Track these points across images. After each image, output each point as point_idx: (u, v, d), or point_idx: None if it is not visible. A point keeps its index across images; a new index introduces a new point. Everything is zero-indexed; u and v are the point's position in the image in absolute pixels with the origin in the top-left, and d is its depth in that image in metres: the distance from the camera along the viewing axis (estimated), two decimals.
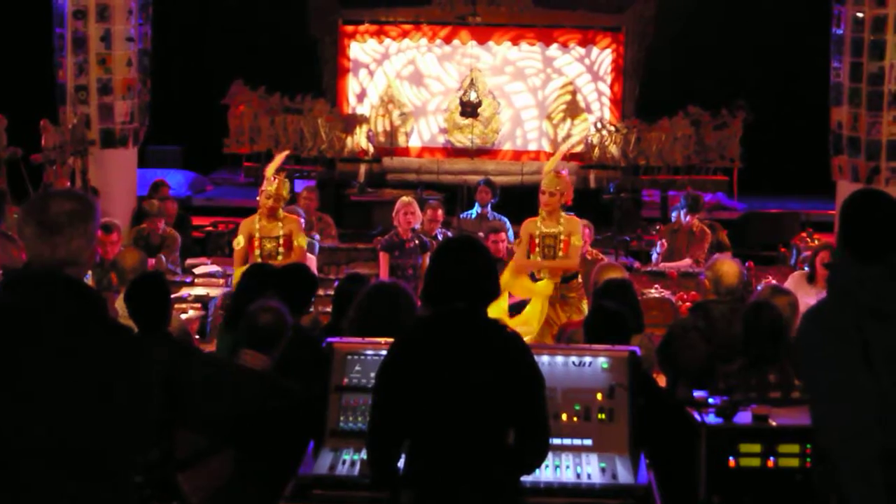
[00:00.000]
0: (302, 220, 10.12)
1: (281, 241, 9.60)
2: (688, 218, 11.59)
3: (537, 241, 9.48)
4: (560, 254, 9.33)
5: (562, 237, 9.35)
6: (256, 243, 9.61)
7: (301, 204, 12.13)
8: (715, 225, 12.28)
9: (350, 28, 17.20)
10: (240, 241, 9.72)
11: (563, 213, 9.51)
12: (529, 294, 9.40)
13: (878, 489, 3.63)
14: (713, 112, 15.69)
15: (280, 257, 9.47)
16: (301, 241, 9.73)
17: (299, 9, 17.02)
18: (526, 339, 8.41)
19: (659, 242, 11.68)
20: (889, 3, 12.86)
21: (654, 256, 11.56)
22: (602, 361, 5.10)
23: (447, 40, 17.16)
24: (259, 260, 9.39)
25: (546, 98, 17.11)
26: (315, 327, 7.19)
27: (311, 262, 10.34)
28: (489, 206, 12.63)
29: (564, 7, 17.01)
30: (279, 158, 10.19)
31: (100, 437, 3.30)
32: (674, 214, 11.78)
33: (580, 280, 9.35)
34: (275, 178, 9.72)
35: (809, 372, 3.97)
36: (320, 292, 9.99)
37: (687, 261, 11.11)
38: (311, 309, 7.59)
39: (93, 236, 3.47)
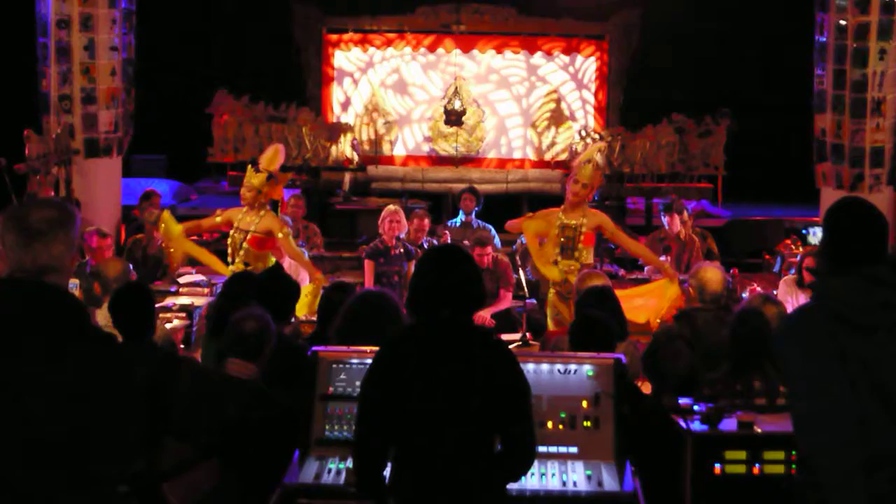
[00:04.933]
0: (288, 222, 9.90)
1: (249, 237, 9.41)
2: (666, 219, 11.60)
3: (556, 231, 9.44)
4: (580, 245, 9.31)
5: (583, 229, 9.32)
6: (231, 231, 9.55)
7: (288, 212, 12.13)
8: (704, 233, 12.29)
9: (334, 37, 17.21)
10: (217, 216, 9.73)
11: (587, 207, 9.52)
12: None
13: (860, 498, 3.62)
14: (697, 120, 15.72)
15: (242, 252, 9.36)
16: (280, 232, 9.45)
17: (283, 18, 17.02)
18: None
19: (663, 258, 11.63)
20: (872, 10, 12.90)
21: (648, 268, 11.51)
22: (587, 369, 5.11)
23: (431, 49, 17.18)
24: (228, 249, 9.44)
25: (530, 106, 17.13)
26: (296, 336, 7.18)
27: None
28: (473, 213, 12.63)
29: (548, 15, 17.04)
30: (275, 152, 9.84)
31: (82, 447, 3.29)
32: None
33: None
34: (265, 172, 9.53)
35: (789, 380, 3.97)
36: None
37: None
38: (293, 319, 7.58)
39: (73, 244, 3.47)
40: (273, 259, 9.34)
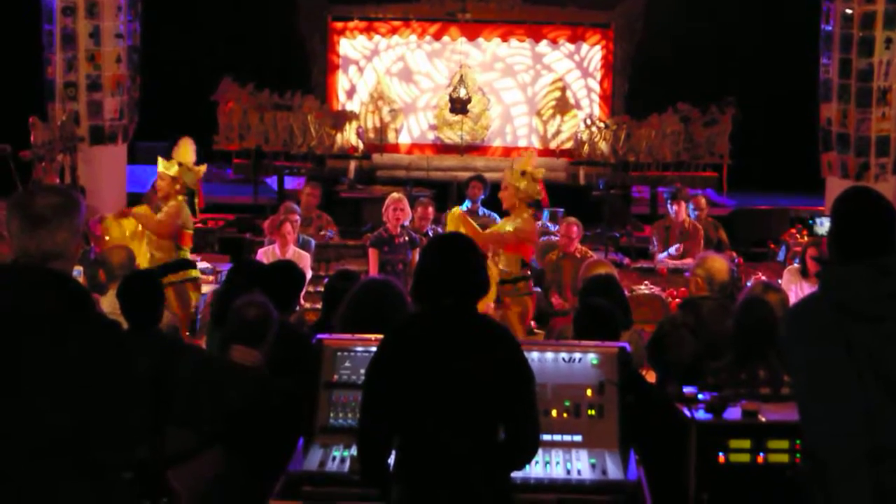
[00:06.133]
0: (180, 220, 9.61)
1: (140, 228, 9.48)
2: (674, 208, 11.61)
3: None
4: (500, 251, 9.37)
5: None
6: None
7: (302, 200, 12.14)
8: (716, 223, 12.30)
9: (339, 25, 17.21)
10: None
11: (524, 215, 9.43)
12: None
13: (865, 488, 3.62)
14: (702, 108, 15.71)
15: (146, 239, 9.41)
16: (165, 215, 9.48)
17: (289, 5, 17.01)
18: None
19: (676, 246, 11.59)
20: None
21: (663, 256, 11.50)
22: (592, 357, 5.10)
23: (437, 37, 17.17)
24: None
25: (536, 94, 17.13)
26: (300, 325, 7.18)
27: (306, 259, 10.32)
28: (479, 201, 12.63)
29: (554, 3, 17.03)
30: (184, 144, 9.86)
31: (87, 433, 3.29)
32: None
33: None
34: (175, 162, 9.58)
35: (795, 370, 3.97)
36: (310, 289, 10.01)
37: (689, 260, 11.09)
38: (297, 308, 7.58)
39: (78, 230, 3.47)
40: (185, 253, 9.44)
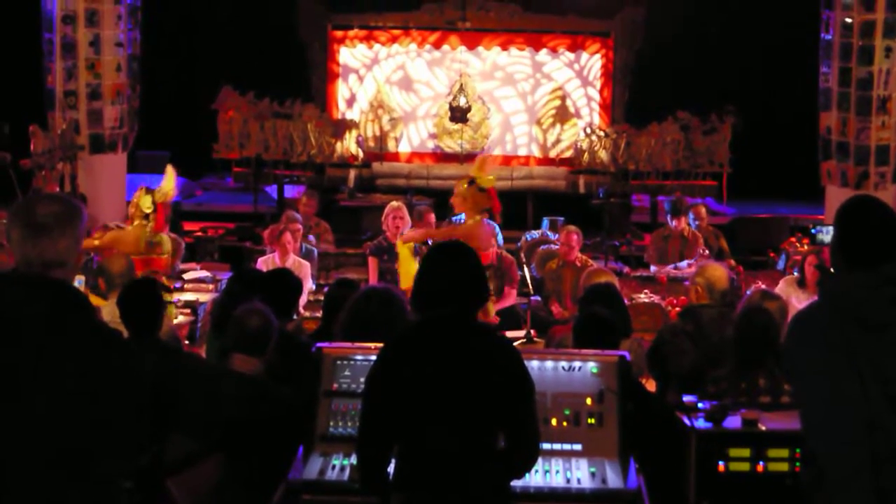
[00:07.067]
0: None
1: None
2: (674, 222, 11.61)
3: None
4: None
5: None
6: None
7: (300, 209, 12.15)
8: (717, 232, 12.30)
9: (339, 33, 17.21)
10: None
11: (470, 221, 9.29)
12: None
13: (867, 495, 3.62)
14: (702, 117, 15.71)
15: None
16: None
17: (289, 14, 17.02)
18: None
19: (689, 261, 11.55)
20: (877, 8, 12.90)
21: (671, 268, 11.49)
22: (591, 366, 5.11)
23: (437, 45, 17.18)
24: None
25: (535, 103, 17.13)
26: (299, 332, 7.19)
27: (306, 268, 10.31)
28: None
29: (554, 12, 17.04)
30: (167, 176, 9.75)
31: (87, 441, 3.29)
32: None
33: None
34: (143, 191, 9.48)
35: (798, 377, 3.97)
36: (311, 298, 10.01)
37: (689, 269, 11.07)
38: (296, 315, 7.59)
39: (79, 239, 3.46)
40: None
